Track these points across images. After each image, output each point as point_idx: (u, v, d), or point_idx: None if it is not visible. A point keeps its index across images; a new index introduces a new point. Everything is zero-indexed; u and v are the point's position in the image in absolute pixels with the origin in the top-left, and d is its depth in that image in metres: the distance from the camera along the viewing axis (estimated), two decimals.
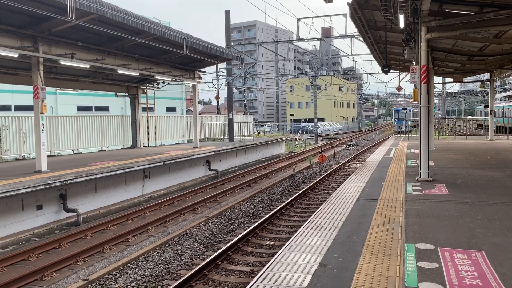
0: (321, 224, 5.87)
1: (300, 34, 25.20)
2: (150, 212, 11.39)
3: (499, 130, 33.08)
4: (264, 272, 4.24)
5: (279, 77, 71.03)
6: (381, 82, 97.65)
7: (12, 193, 8.73)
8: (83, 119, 17.57)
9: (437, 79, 32.96)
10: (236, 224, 10.23)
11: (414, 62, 12.20)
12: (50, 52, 11.52)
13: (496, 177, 9.37)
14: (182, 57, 16.50)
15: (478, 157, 13.30)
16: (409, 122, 36.82)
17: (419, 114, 9.36)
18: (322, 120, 62.39)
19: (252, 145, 22.38)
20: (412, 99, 12.54)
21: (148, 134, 20.71)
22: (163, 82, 19.37)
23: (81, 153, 17.35)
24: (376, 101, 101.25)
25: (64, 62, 11.81)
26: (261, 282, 3.97)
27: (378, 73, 37.34)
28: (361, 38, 15.28)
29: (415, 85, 9.90)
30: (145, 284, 6.67)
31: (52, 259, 7.52)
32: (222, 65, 28.65)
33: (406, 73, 22.02)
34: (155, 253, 8.08)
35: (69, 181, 10.21)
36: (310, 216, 7.26)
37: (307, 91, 67.82)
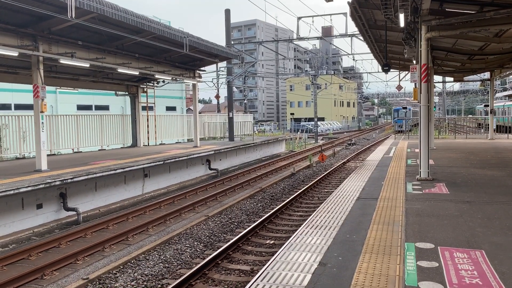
0: (321, 223, 5.87)
1: (300, 33, 25.16)
2: (150, 211, 11.40)
3: (499, 129, 33.07)
4: (264, 271, 4.24)
5: (279, 76, 71.10)
6: (381, 81, 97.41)
7: (12, 192, 8.74)
8: (83, 118, 17.56)
9: (437, 78, 32.89)
10: (236, 223, 10.23)
11: (414, 61, 12.19)
12: (50, 51, 11.52)
13: (496, 176, 9.37)
14: (182, 56, 16.49)
15: (478, 156, 13.29)
16: (408, 121, 36.79)
17: (419, 113, 9.35)
18: (322, 119, 62.40)
19: (252, 144, 22.38)
20: (412, 98, 12.54)
21: (148, 133, 20.71)
22: (163, 81, 19.37)
23: (81, 152, 17.35)
24: (376, 100, 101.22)
25: (64, 61, 11.80)
26: (261, 281, 3.97)
27: (378, 72, 37.32)
28: (361, 37, 15.26)
29: (415, 84, 9.90)
30: (145, 283, 6.67)
31: (52, 258, 7.52)
32: (222, 64, 28.62)
33: (406, 72, 21.97)
34: (155, 252, 8.08)
35: (69, 180, 10.21)
36: (310, 215, 7.26)
37: (307, 90, 67.84)
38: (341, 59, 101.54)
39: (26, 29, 10.78)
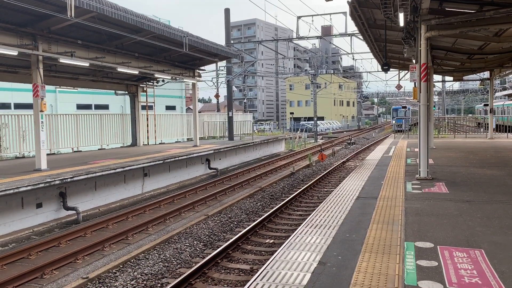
0: (321, 222, 5.87)
1: (300, 33, 25.19)
2: (150, 210, 11.40)
3: (499, 128, 33.10)
4: (263, 270, 4.25)
5: (279, 76, 71.04)
6: (381, 81, 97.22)
7: (12, 191, 8.74)
8: (82, 117, 17.56)
9: (436, 77, 32.99)
10: (235, 223, 10.24)
11: (414, 61, 12.20)
12: (49, 50, 11.51)
13: (496, 175, 9.38)
14: (181, 55, 16.49)
15: (477, 156, 13.30)
16: (407, 121, 36.74)
17: (419, 113, 9.36)
18: (321, 118, 62.40)
19: (252, 144, 22.38)
20: (412, 98, 12.55)
21: (147, 132, 20.71)
22: (163, 80, 19.36)
23: (80, 151, 17.34)
24: (376, 100, 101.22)
25: (63, 60, 11.80)
26: (261, 280, 3.97)
27: (378, 71, 37.37)
28: (361, 37, 15.26)
29: (415, 83, 9.91)
30: (144, 282, 6.67)
31: (52, 257, 7.52)
32: (222, 64, 28.59)
33: (406, 71, 22.00)
34: (155, 251, 8.08)
35: (68, 179, 10.21)
36: (310, 214, 7.27)
37: (307, 90, 67.82)
38: (341, 58, 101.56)
39: (26, 28, 10.78)
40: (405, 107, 44.08)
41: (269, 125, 58.31)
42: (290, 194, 13.27)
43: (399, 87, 30.77)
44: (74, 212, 10.32)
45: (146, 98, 20.41)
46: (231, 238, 8.55)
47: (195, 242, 8.64)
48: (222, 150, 18.60)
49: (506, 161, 12.01)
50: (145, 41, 13.61)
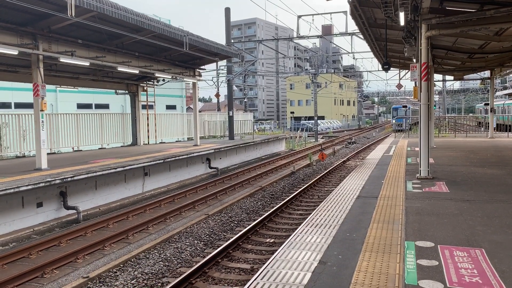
0: (321, 221, 5.87)
1: (301, 32, 25.19)
2: (150, 210, 11.41)
3: (499, 128, 33.07)
4: (264, 269, 4.25)
5: (279, 75, 71.04)
6: (381, 80, 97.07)
7: (12, 190, 8.74)
8: (83, 116, 17.56)
9: (437, 76, 33.01)
10: (236, 222, 10.24)
11: (414, 60, 12.17)
12: (50, 49, 11.51)
13: (496, 175, 9.37)
14: (182, 54, 16.49)
15: (478, 155, 13.29)
16: (407, 120, 36.67)
17: (420, 112, 9.35)
18: (322, 118, 62.39)
19: (252, 143, 22.38)
20: (413, 97, 12.54)
21: (148, 131, 20.72)
22: (163, 80, 19.37)
23: (81, 150, 17.35)
24: (376, 99, 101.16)
25: (64, 59, 11.80)
26: (261, 279, 3.97)
27: (378, 70, 37.30)
28: (361, 36, 15.24)
29: (415, 82, 9.89)
30: (145, 282, 6.68)
31: (52, 257, 7.52)
32: (222, 63, 28.59)
33: (407, 70, 22.00)
34: (155, 251, 8.09)
35: (69, 179, 10.22)
36: (310, 213, 7.27)
37: (307, 89, 67.79)
38: (341, 57, 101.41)
39: (26, 27, 10.78)
40: (405, 107, 43.93)
41: (270, 125, 58.25)
42: (290, 193, 13.27)
43: (399, 86, 30.79)
44: (74, 211, 10.33)
45: (147, 97, 20.42)
46: (232, 237, 8.56)
47: (196, 242, 8.64)
48: (222, 149, 18.60)
49: (506, 160, 12.00)
50: (146, 41, 13.60)
